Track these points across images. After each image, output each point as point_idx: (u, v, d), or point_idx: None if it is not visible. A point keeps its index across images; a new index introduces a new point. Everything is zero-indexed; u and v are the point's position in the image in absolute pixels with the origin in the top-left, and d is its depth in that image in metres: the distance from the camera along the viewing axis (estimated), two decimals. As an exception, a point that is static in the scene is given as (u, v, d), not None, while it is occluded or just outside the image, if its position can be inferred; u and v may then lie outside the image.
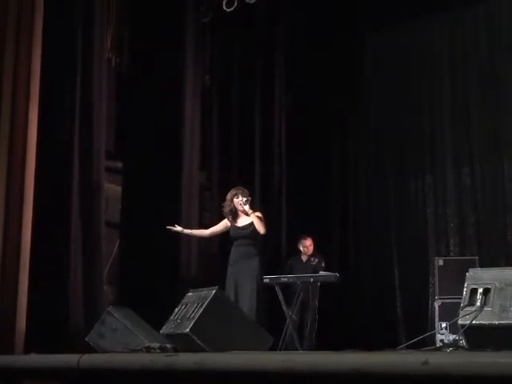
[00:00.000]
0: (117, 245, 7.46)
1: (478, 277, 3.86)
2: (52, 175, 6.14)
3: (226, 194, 6.63)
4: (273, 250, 8.03)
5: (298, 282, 6.53)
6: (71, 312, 6.16)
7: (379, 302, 8.22)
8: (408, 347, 4.51)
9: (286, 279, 6.52)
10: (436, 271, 7.47)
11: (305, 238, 7.67)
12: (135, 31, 7.71)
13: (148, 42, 7.59)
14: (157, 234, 7.05)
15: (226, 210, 6.55)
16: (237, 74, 8.58)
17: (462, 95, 8.34)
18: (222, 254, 7.16)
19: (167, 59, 7.61)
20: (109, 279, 7.11)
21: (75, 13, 6.55)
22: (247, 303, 6.12)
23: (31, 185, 5.59)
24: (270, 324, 6.26)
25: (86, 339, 5.65)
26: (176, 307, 5.11)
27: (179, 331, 4.75)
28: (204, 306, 4.72)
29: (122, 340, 5.38)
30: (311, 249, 7.67)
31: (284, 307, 6.42)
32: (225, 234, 6.79)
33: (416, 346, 4.31)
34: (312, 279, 6.61)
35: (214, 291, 4.83)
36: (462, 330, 3.73)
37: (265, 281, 6.32)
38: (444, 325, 7.06)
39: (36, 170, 5.64)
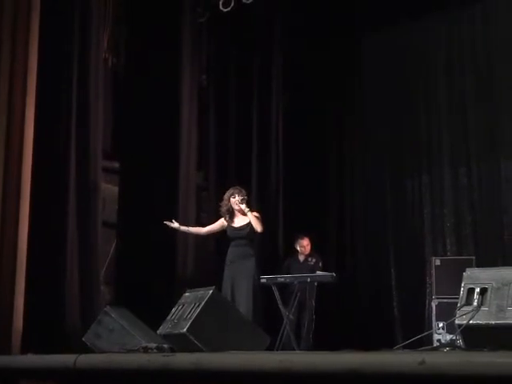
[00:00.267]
0: (114, 245, 7.46)
1: (475, 276, 3.86)
2: (49, 175, 6.13)
3: (223, 194, 6.65)
4: (270, 249, 8.03)
5: (295, 282, 6.53)
6: (68, 312, 6.15)
7: (376, 302, 8.22)
8: (405, 347, 4.51)
9: (283, 279, 6.52)
10: (433, 271, 7.47)
11: (302, 238, 7.67)
12: (132, 31, 7.71)
13: (145, 41, 7.58)
14: (154, 234, 7.05)
15: (223, 209, 6.59)
16: (234, 73, 8.58)
17: (458, 95, 8.34)
18: (218, 255, 7.16)
19: (164, 59, 7.60)
20: (105, 279, 7.10)
21: (72, 13, 6.54)
22: (244, 303, 6.13)
23: (28, 185, 5.58)
24: (267, 324, 6.26)
25: (83, 339, 5.65)
26: (173, 307, 5.11)
27: (176, 331, 4.75)
28: (201, 306, 4.72)
29: (118, 340, 5.38)
30: (308, 248, 7.67)
31: (281, 307, 6.42)
32: (221, 234, 6.80)
33: (413, 346, 4.31)
34: (309, 279, 6.61)
35: (210, 291, 4.83)
36: (459, 330, 3.73)
37: (262, 281, 6.32)
38: (441, 325, 7.06)
39: (33, 169, 5.64)
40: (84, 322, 6.09)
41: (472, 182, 8.11)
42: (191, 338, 4.58)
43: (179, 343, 4.62)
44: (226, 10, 7.52)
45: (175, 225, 6.69)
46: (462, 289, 3.85)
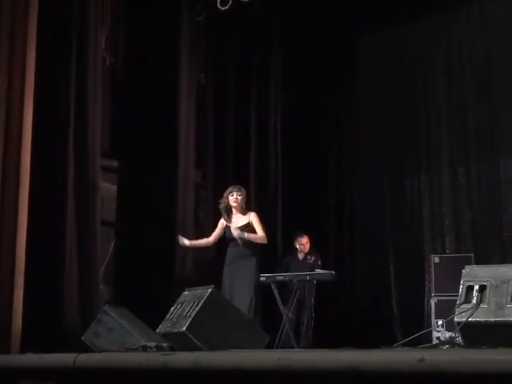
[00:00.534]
0: (112, 244, 7.45)
1: (474, 274, 3.86)
2: (47, 174, 6.12)
3: (221, 193, 6.66)
4: (269, 248, 8.01)
5: (295, 280, 6.54)
6: (67, 311, 6.14)
7: (375, 300, 8.23)
8: (404, 345, 4.51)
9: (282, 277, 6.53)
10: (432, 269, 7.48)
11: (301, 236, 7.68)
12: (130, 30, 7.69)
13: (143, 40, 7.57)
14: (152, 233, 7.05)
15: (221, 206, 6.61)
16: (232, 72, 8.57)
17: (457, 95, 8.34)
18: (218, 253, 7.16)
19: (162, 58, 7.59)
20: (104, 278, 7.09)
21: (70, 11, 6.52)
22: (243, 302, 6.13)
23: (26, 185, 5.56)
24: (266, 322, 6.26)
25: (82, 338, 5.63)
26: (172, 306, 5.11)
27: (175, 330, 4.75)
28: (200, 305, 4.71)
29: (118, 339, 5.37)
30: (307, 247, 7.67)
31: (280, 305, 6.43)
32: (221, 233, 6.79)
33: (412, 344, 4.30)
34: (308, 277, 6.61)
35: (209, 290, 4.83)
36: (458, 328, 3.73)
37: (261, 279, 6.32)
38: (440, 322, 7.07)
39: (31, 169, 5.62)
40: (83, 321, 6.09)
41: (471, 181, 8.12)
42: (190, 336, 4.57)
43: (178, 342, 4.62)
44: (223, 8, 7.51)
45: (186, 242, 6.72)
46: (460, 286, 3.85)
